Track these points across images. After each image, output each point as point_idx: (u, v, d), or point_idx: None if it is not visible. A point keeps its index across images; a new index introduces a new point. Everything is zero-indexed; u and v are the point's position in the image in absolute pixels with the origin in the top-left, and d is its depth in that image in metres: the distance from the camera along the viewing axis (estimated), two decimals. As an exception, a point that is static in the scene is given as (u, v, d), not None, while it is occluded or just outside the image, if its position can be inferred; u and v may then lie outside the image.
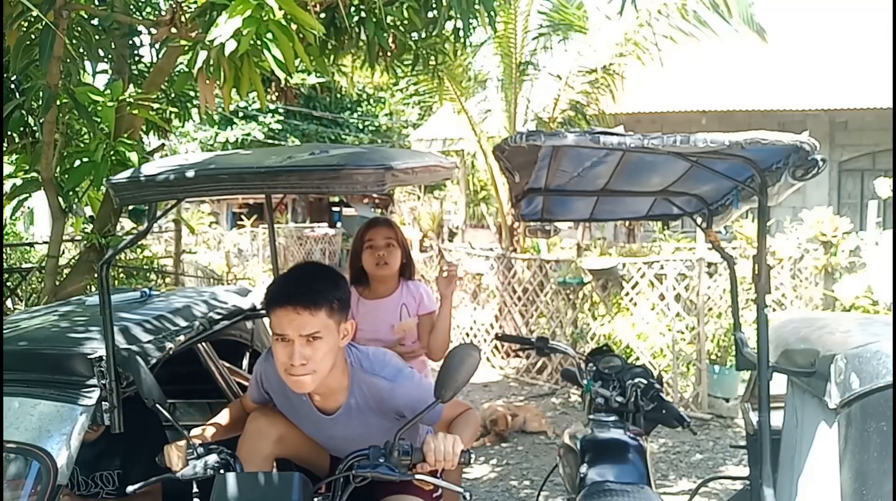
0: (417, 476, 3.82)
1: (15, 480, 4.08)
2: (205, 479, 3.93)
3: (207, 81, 6.28)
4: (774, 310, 15.32)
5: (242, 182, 3.82)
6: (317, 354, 3.87)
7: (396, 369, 4.34)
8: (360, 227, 6.33)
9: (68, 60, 7.09)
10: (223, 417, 4.57)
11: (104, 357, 4.34)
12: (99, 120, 7.46)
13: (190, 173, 3.80)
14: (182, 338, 5.20)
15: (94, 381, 4.36)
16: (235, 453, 4.11)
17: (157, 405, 3.96)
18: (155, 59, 9.00)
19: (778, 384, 4.61)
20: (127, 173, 4.09)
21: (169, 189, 3.94)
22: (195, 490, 3.98)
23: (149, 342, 4.86)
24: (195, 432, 4.30)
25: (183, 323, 5.41)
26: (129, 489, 4.01)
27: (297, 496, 3.73)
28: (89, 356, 4.38)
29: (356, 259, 6.31)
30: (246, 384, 6.44)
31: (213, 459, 3.92)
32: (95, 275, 8.18)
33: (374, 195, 46.29)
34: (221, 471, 3.90)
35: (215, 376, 6.34)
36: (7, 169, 8.33)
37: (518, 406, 12.13)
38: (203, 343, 5.89)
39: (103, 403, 4.37)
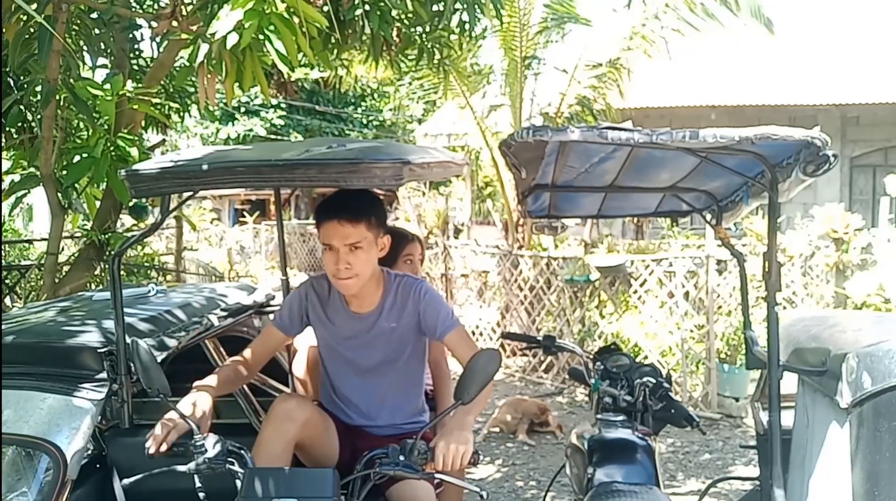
0: (438, 476, 3.89)
1: (23, 474, 4.10)
2: (209, 474, 3.91)
3: (209, 76, 6.28)
4: (785, 308, 15.34)
5: (259, 175, 3.93)
6: (358, 261, 4.46)
7: (420, 279, 5.06)
8: (397, 240, 6.10)
9: (68, 54, 7.09)
10: (214, 379, 4.55)
11: (114, 351, 4.36)
12: (98, 115, 7.48)
13: (206, 165, 3.86)
14: (189, 334, 5.21)
15: (103, 375, 4.38)
16: (241, 444, 4.12)
17: (162, 396, 3.94)
18: (155, 54, 8.98)
19: (788, 383, 4.62)
20: (142, 165, 4.14)
21: (185, 181, 4.04)
22: (198, 484, 3.97)
23: (155, 338, 4.87)
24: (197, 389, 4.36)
25: (189, 319, 5.42)
26: (126, 482, 4.01)
27: (331, 492, 3.78)
28: (99, 350, 4.40)
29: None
30: (251, 381, 6.44)
31: (218, 453, 3.89)
32: (95, 272, 8.19)
33: (380, 191, 46.33)
34: (234, 465, 3.90)
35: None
36: (5, 165, 8.33)
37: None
38: (209, 340, 5.88)
39: (113, 397, 4.38)
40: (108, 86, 7.38)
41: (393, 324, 4.77)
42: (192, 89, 9.69)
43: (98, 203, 8.37)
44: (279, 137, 42.37)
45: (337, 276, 4.49)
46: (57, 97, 7.11)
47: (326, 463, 4.62)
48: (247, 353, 4.82)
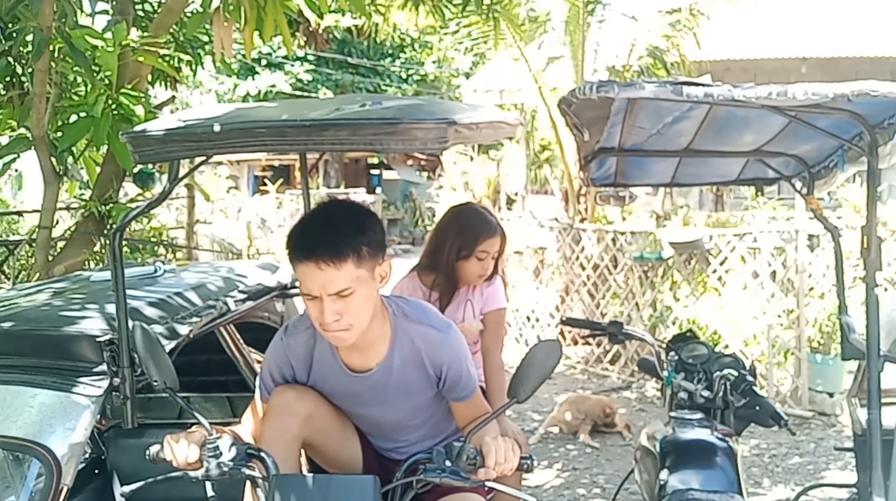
0: (489, 484, 3.82)
1: (11, 482, 4.11)
2: (224, 481, 3.86)
3: (225, 23, 6.29)
4: (886, 290, 15.23)
5: (283, 137, 3.78)
6: (350, 307, 3.91)
7: (445, 321, 4.49)
8: (476, 229, 6.08)
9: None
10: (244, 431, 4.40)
11: (115, 340, 4.35)
12: (99, 68, 7.48)
13: (219, 126, 3.73)
14: (202, 320, 5.19)
15: (103, 367, 4.36)
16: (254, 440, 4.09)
17: (169, 389, 3.90)
18: (163, -2, 9.02)
19: (890, 375, 4.59)
20: (147, 125, 4.08)
21: (196, 144, 3.88)
22: (210, 493, 3.96)
23: (163, 324, 4.87)
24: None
25: (202, 303, 5.41)
26: (127, 489, 4.00)
27: None
28: (98, 339, 4.38)
29: (449, 253, 6.12)
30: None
31: (235, 456, 3.80)
32: (95, 249, 8.21)
33: (421, 156, 46.29)
34: (255, 471, 3.84)
35: (239, 365, 6.21)
36: (-8, 126, 8.36)
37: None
38: (224, 327, 5.87)
39: (114, 393, 4.38)
40: (109, 35, 7.36)
41: (409, 378, 4.37)
42: (207, 39, 9.69)
43: (98, 169, 8.37)
44: (306, 94, 42.39)
45: (325, 329, 3.98)
46: (51, 48, 7.11)
47: (348, 469, 4.55)
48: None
